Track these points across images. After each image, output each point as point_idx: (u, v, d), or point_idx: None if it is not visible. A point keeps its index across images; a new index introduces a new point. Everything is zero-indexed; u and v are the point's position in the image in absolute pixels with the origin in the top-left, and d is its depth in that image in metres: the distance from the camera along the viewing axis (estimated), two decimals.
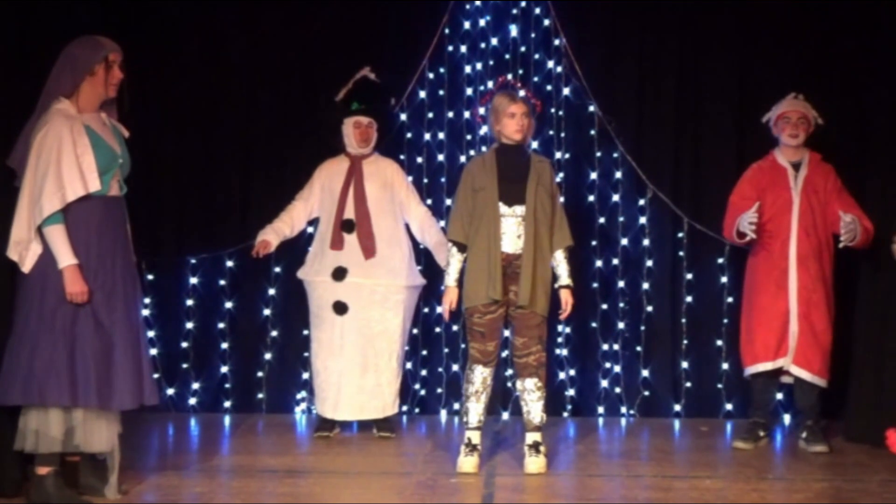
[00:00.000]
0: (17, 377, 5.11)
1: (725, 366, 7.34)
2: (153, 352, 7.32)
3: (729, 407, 7.36)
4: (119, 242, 5.31)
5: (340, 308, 6.67)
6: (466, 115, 7.43)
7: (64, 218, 5.11)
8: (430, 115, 7.46)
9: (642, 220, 7.40)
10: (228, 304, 7.43)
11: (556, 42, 7.39)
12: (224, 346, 7.43)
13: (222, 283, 7.42)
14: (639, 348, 7.43)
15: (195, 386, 7.41)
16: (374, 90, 6.79)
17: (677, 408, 7.41)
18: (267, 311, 7.44)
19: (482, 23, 7.47)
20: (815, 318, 6.48)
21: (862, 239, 6.30)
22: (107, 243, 5.23)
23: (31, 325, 5.13)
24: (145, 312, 7.30)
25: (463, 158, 7.39)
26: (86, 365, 5.10)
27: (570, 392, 7.45)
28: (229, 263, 7.38)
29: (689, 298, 7.39)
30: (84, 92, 5.24)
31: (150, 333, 7.26)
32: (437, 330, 7.44)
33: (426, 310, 7.27)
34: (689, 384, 7.41)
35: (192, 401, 7.41)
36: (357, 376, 6.71)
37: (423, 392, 7.44)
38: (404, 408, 7.23)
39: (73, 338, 5.11)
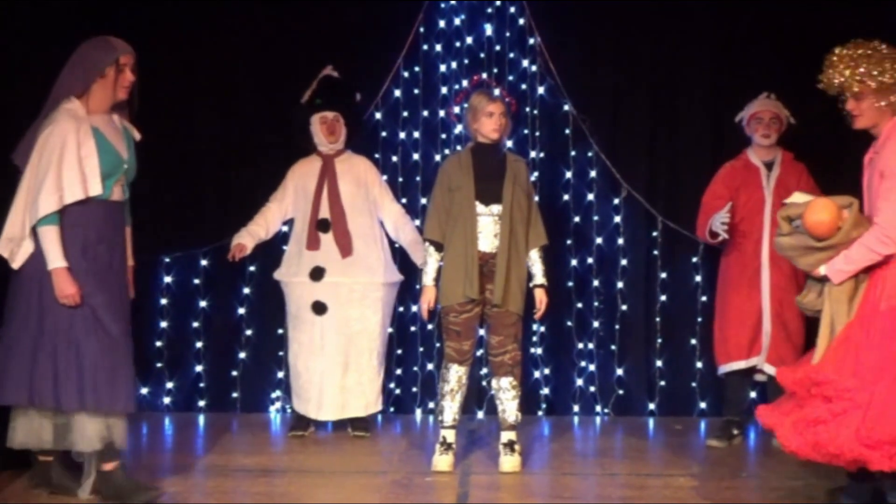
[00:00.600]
0: (16, 377, 5.08)
1: (699, 364, 7.38)
2: None
3: (703, 405, 7.41)
4: (117, 247, 5.28)
5: (319, 308, 6.68)
6: (441, 113, 7.44)
7: (60, 219, 5.06)
8: (405, 113, 7.46)
9: (617, 219, 7.43)
10: (203, 303, 7.42)
11: (531, 41, 7.40)
12: (198, 345, 7.42)
13: (196, 281, 7.40)
14: (613, 347, 7.45)
15: (169, 385, 7.39)
16: (336, 86, 6.81)
17: (651, 406, 7.45)
18: (241, 310, 7.43)
19: (457, 21, 7.47)
20: (788, 317, 6.52)
21: None
22: (105, 247, 5.20)
23: (30, 326, 5.09)
24: None
25: (438, 157, 7.40)
26: (87, 367, 5.05)
27: (545, 391, 7.48)
28: (204, 262, 7.37)
29: (663, 297, 7.43)
30: (95, 93, 5.19)
31: None
32: (413, 329, 7.44)
33: (401, 308, 7.27)
34: (663, 383, 7.45)
35: (166, 400, 7.40)
36: (338, 376, 6.71)
37: (398, 391, 7.44)
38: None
39: (74, 340, 5.07)
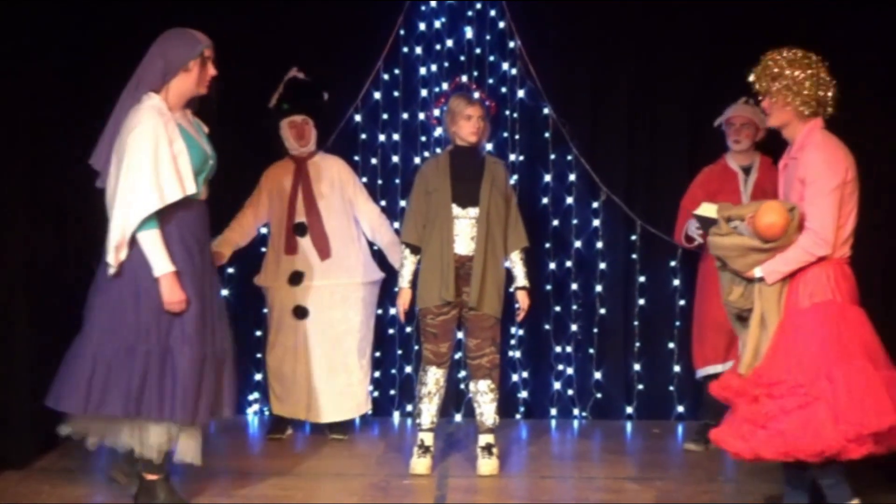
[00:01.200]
0: (113, 388, 4.91)
1: (677, 368, 7.40)
2: None
3: (681, 409, 7.43)
4: (207, 249, 5.18)
5: (301, 312, 6.68)
6: (421, 116, 7.44)
7: (159, 222, 4.93)
8: (385, 116, 7.46)
9: (596, 222, 7.44)
10: None
11: (511, 44, 7.41)
12: None
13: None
14: (591, 350, 7.47)
15: None
16: (303, 88, 6.81)
17: (629, 410, 7.46)
18: None
19: (437, 24, 7.48)
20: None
21: None
22: (199, 249, 5.09)
23: (126, 336, 4.92)
24: None
25: (417, 160, 7.40)
26: (178, 378, 4.93)
27: (523, 394, 7.49)
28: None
29: (641, 301, 7.45)
30: (174, 88, 5.06)
31: None
32: (391, 331, 7.44)
33: (379, 311, 7.22)
34: (641, 386, 7.46)
35: None
36: (325, 379, 6.71)
37: (376, 394, 7.43)
38: None
39: (166, 349, 4.95)
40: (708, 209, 5.24)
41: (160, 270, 4.90)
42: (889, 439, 4.84)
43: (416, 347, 7.26)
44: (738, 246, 5.04)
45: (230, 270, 7.33)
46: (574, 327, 7.47)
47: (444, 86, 7.34)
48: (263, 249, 6.93)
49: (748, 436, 4.92)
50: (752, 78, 5.15)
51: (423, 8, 7.46)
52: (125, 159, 4.88)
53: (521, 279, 6.13)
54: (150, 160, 4.87)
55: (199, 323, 4.98)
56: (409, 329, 7.34)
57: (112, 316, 4.94)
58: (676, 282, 7.42)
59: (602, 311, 7.47)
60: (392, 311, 7.25)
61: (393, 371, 7.48)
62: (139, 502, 5.20)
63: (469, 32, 7.48)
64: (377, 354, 7.38)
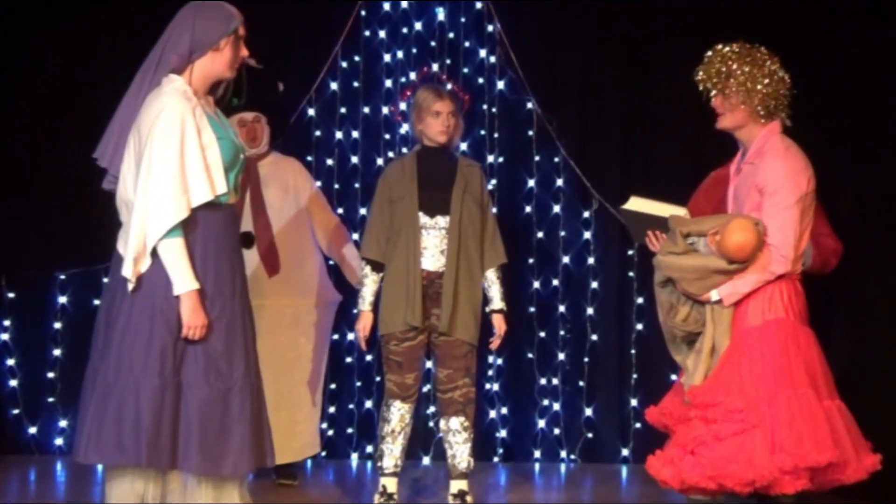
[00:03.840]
0: (117, 430, 4.68)
1: None
2: (12, 383, 7.36)
3: None
4: (238, 264, 4.94)
5: None
6: (385, 111, 7.49)
7: (183, 230, 4.70)
8: (343, 110, 7.52)
9: (587, 234, 7.52)
10: (57, 351, 7.42)
11: (490, 28, 7.49)
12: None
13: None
14: (581, 383, 7.53)
15: (63, 424, 7.37)
16: (253, 78, 6.82)
17: (625, 452, 7.52)
18: None
19: (404, 4, 7.54)
20: None
21: (817, 262, 6.29)
22: (226, 264, 4.85)
23: (136, 366, 4.69)
24: (3, 337, 7.37)
25: (380, 161, 7.45)
26: (192, 419, 4.72)
27: (502, 433, 7.54)
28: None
29: (639, 326, 7.49)
30: (200, 69, 4.86)
31: (10, 362, 7.30)
32: (348, 360, 7.49)
33: (335, 336, 7.27)
34: (638, 425, 7.48)
35: (59, 441, 7.38)
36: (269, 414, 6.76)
37: (330, 432, 7.47)
38: None
39: (179, 384, 4.73)
40: (639, 203, 5.38)
41: (182, 287, 4.68)
42: (824, 476, 5.09)
43: (378, 379, 7.27)
44: (700, 268, 5.20)
45: None
46: (561, 356, 7.54)
47: (412, 76, 7.41)
48: None
49: (676, 460, 5.15)
50: (699, 76, 5.36)
51: None
52: (148, 153, 4.69)
53: (496, 301, 6.16)
54: (177, 154, 4.69)
55: (222, 353, 4.79)
56: (369, 357, 7.39)
57: (122, 341, 4.75)
58: None
59: (594, 337, 7.55)
60: (350, 336, 7.31)
61: (351, 406, 7.52)
62: None
63: (441, 14, 7.56)
64: (332, 387, 7.42)
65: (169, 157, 4.67)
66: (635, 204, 5.45)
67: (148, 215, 4.66)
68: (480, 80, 7.54)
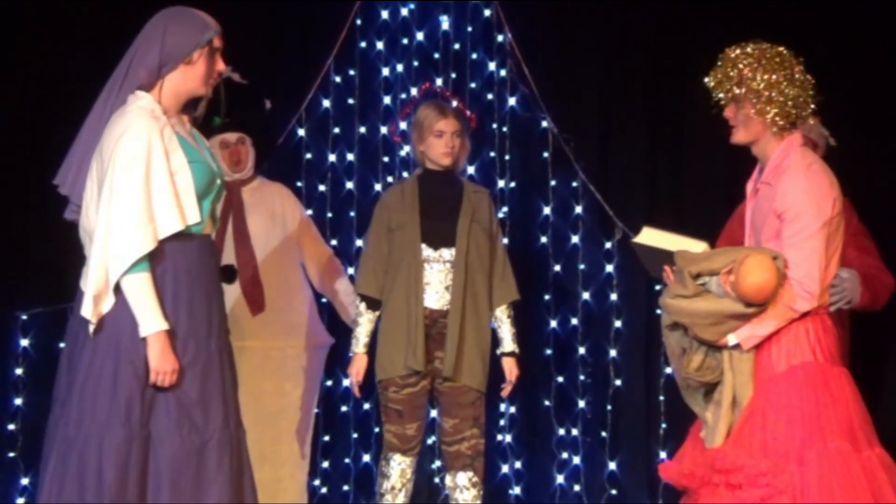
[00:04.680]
0: (79, 490, 4.63)
1: None
2: None
3: None
4: (216, 301, 4.89)
5: None
6: (383, 130, 7.47)
7: (150, 263, 4.66)
8: (336, 130, 7.54)
9: (609, 268, 7.44)
10: (18, 401, 7.33)
11: (500, 37, 7.45)
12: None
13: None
14: (604, 434, 7.43)
15: (24, 481, 7.31)
16: (239, 95, 6.74)
17: None
18: None
19: (404, 12, 7.53)
20: None
21: (865, 299, 6.21)
22: (202, 301, 4.79)
23: (98, 416, 4.64)
24: None
25: (378, 187, 7.44)
26: (162, 476, 4.65)
27: (516, 490, 7.48)
28: (24, 343, 7.30)
29: (668, 370, 7.30)
30: (170, 84, 4.82)
31: None
32: (343, 409, 7.45)
33: (329, 382, 7.29)
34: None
35: (20, 501, 7.30)
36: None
37: (324, 489, 7.44)
38: None
39: (148, 436, 4.67)
40: (652, 236, 5.21)
41: (148, 329, 4.64)
42: None
43: (377, 430, 7.22)
44: (714, 312, 4.97)
45: None
46: (582, 403, 7.45)
47: (413, 91, 7.36)
48: None
49: None
50: (711, 82, 5.20)
51: None
52: (109, 179, 4.66)
53: (507, 343, 6.14)
54: (142, 180, 4.64)
55: (196, 401, 4.72)
56: (366, 406, 7.35)
57: (84, 389, 4.69)
58: None
59: (618, 382, 7.44)
60: (345, 382, 7.21)
61: (347, 460, 7.47)
62: None
63: (445, 22, 7.53)
64: (326, 439, 7.42)
65: (132, 183, 4.63)
66: (648, 236, 5.31)
67: (109, 248, 4.63)
68: (490, 96, 7.52)
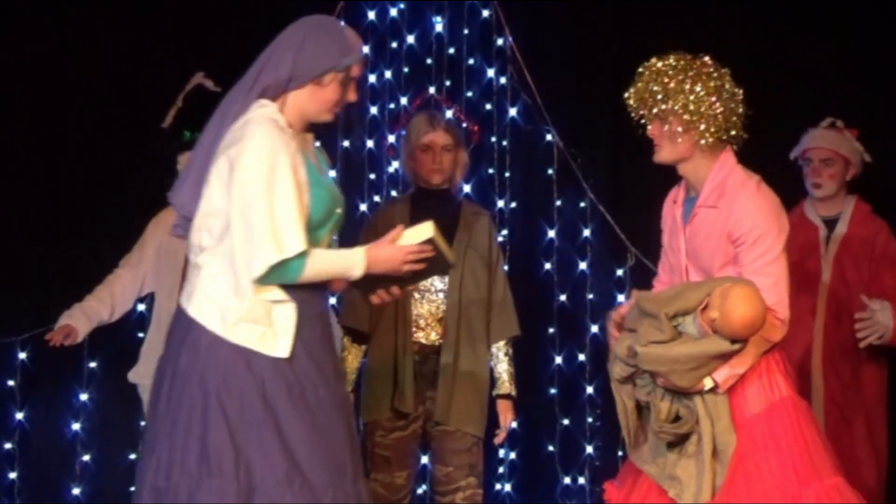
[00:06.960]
0: None
1: None
2: None
3: None
4: (330, 335, 4.87)
5: None
6: (370, 144, 7.52)
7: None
8: (318, 143, 7.47)
9: (621, 298, 7.45)
10: (19, 416, 7.43)
11: (500, 41, 7.51)
12: (11, 476, 7.41)
13: (11, 383, 7.39)
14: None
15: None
16: (209, 103, 6.75)
17: None
18: (76, 426, 7.43)
19: (394, 12, 7.58)
20: (848, 443, 6.53)
21: None
22: (321, 334, 4.77)
23: (189, 466, 4.56)
24: None
25: (364, 207, 7.47)
26: None
27: None
28: (22, 356, 7.39)
29: None
30: (294, 102, 4.78)
31: None
32: None
33: None
34: None
35: None
36: None
37: None
38: None
39: (251, 489, 4.51)
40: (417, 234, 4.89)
41: (358, 268, 4.73)
42: None
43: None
44: (697, 355, 4.94)
45: (91, 365, 7.38)
46: (590, 449, 7.51)
47: (403, 101, 7.45)
48: (142, 335, 6.94)
49: None
50: (630, 98, 5.26)
51: None
52: (237, 189, 4.59)
53: (503, 384, 6.17)
54: (267, 192, 4.57)
55: (309, 454, 4.59)
56: None
57: (173, 430, 4.63)
58: None
59: None
60: None
61: None
62: None
63: (439, 24, 7.58)
64: None
65: (264, 194, 4.58)
66: (416, 235, 4.93)
67: (234, 266, 4.60)
68: (488, 106, 7.58)
